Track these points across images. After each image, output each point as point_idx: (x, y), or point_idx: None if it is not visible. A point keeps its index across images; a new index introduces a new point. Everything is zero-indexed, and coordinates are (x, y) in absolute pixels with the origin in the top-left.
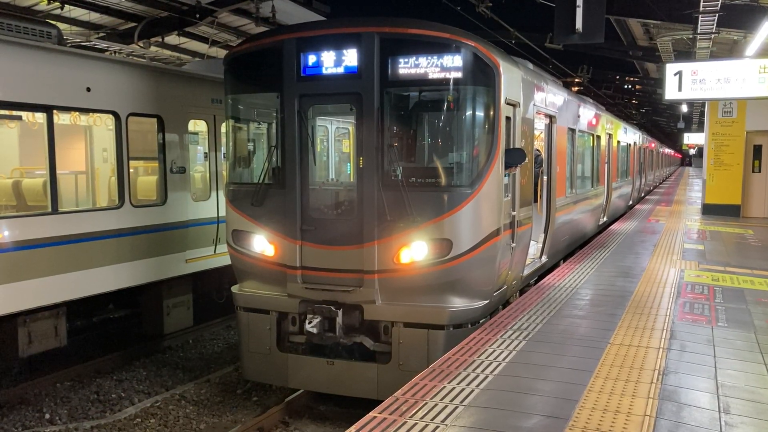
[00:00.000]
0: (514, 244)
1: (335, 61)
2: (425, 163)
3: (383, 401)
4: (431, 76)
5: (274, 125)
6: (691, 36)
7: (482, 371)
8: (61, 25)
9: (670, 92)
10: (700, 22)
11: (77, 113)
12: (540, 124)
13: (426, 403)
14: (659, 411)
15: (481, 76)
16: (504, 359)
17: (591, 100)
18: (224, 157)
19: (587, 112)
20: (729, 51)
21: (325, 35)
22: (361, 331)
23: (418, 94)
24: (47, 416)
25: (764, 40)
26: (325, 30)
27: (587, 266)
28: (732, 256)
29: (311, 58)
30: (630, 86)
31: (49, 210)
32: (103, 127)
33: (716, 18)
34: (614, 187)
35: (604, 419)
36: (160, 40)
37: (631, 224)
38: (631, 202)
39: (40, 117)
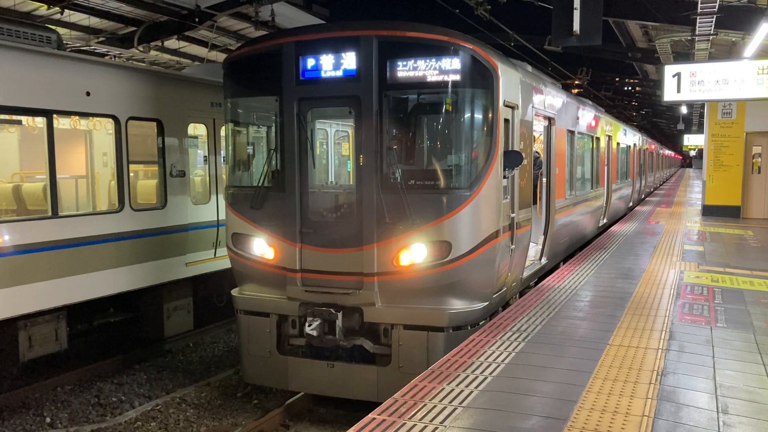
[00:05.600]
0: (513, 246)
1: (334, 64)
2: (424, 165)
3: (383, 403)
4: (429, 78)
5: (273, 128)
6: (689, 37)
7: (481, 373)
8: (61, 30)
9: (669, 94)
10: (698, 24)
11: (77, 117)
12: (539, 126)
13: (425, 405)
14: (658, 411)
15: (480, 78)
16: (503, 361)
17: (590, 102)
18: (224, 160)
19: (586, 114)
20: (727, 52)
21: (323, 39)
22: (360, 334)
23: (417, 97)
24: (48, 420)
25: (762, 41)
26: (323, 33)
27: (587, 268)
28: (732, 257)
29: (310, 62)
30: (629, 88)
31: (50, 214)
32: (103, 131)
33: (714, 19)
34: (614, 188)
35: (602, 420)
36: (160, 44)
37: (631, 226)
38: (631, 204)
39: (40, 121)
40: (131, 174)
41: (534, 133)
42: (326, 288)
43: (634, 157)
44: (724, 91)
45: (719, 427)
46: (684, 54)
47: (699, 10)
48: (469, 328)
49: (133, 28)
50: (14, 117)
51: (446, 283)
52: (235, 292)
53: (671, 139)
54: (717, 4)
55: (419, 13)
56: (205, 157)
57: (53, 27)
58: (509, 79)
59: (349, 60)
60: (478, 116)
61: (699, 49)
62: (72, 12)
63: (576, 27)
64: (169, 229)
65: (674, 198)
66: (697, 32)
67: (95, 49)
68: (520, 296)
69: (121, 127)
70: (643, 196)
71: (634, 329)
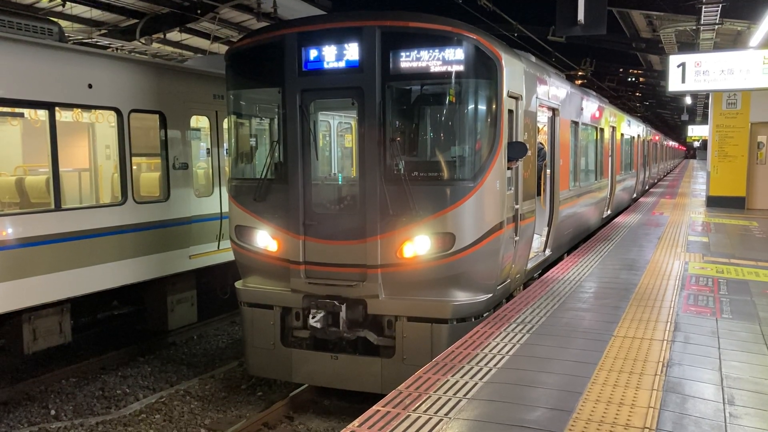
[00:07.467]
0: (517, 238)
1: (336, 55)
2: (427, 156)
3: (387, 395)
4: (433, 69)
5: (276, 120)
6: (694, 27)
7: (486, 364)
8: (63, 23)
9: (674, 84)
10: (703, 13)
11: (79, 110)
12: (543, 117)
13: (429, 397)
14: (663, 403)
15: (483, 69)
16: (508, 352)
17: (594, 93)
18: (226, 152)
19: (590, 105)
20: (733, 42)
21: (326, 29)
22: (364, 326)
23: (420, 88)
24: (53, 412)
25: None
26: (326, 24)
27: (591, 259)
28: (736, 248)
29: (312, 53)
30: (633, 79)
31: (52, 207)
32: (106, 123)
33: (720, 8)
34: (618, 179)
35: (608, 411)
36: (162, 36)
37: (635, 217)
38: (635, 195)
39: (42, 114)
40: (134, 166)
41: (538, 124)
42: (330, 280)
43: (638, 148)
44: (729, 81)
45: (725, 419)
46: (689, 44)
47: (704, 0)
48: (473, 319)
49: (135, 21)
50: (16, 110)
51: (450, 275)
52: (238, 284)
53: (675, 130)
54: None
55: (422, 4)
56: (207, 149)
57: (55, 19)
58: (513, 70)
59: (352, 51)
60: (482, 107)
61: (704, 39)
62: (74, 4)
63: (580, 16)
64: (172, 222)
65: (678, 189)
66: (702, 22)
67: (97, 41)
68: (525, 288)
69: (124, 120)
70: (647, 187)
71: (639, 320)
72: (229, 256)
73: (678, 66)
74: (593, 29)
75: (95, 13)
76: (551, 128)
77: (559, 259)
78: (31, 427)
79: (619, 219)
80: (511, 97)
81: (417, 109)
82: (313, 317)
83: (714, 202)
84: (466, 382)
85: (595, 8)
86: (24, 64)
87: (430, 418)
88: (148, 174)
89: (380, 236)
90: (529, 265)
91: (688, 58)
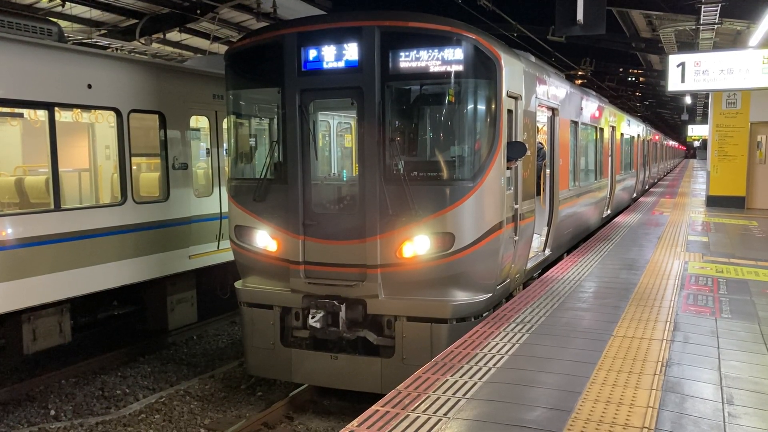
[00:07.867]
0: (516, 237)
1: (336, 55)
2: (427, 156)
3: (387, 395)
4: (432, 69)
5: (275, 120)
6: (694, 27)
7: (485, 364)
8: (63, 23)
9: (674, 84)
10: (703, 13)
11: (79, 110)
12: (543, 116)
13: (429, 396)
14: (662, 402)
15: (483, 68)
16: (507, 352)
17: (594, 93)
18: (226, 152)
19: (590, 105)
20: (732, 41)
21: (325, 29)
22: (364, 326)
23: (420, 88)
24: (52, 413)
25: None
26: (325, 24)
27: (591, 259)
28: (736, 248)
29: (312, 53)
30: (633, 78)
31: (52, 207)
32: (105, 123)
33: (719, 8)
34: (618, 179)
35: (607, 411)
36: (162, 36)
37: (635, 217)
38: (635, 195)
39: (42, 114)
40: (134, 167)
41: (537, 124)
42: (329, 280)
43: (637, 148)
44: (729, 81)
45: (724, 418)
46: (688, 43)
47: (704, 0)
48: (472, 319)
49: (135, 21)
50: (16, 110)
51: (449, 275)
52: (238, 284)
53: (675, 130)
54: None
55: (422, 4)
56: (207, 149)
57: (54, 20)
58: (512, 70)
59: (351, 51)
60: (481, 107)
61: (703, 39)
62: (73, 4)
63: (580, 16)
64: (171, 222)
65: (678, 189)
66: (701, 21)
67: (97, 41)
68: (524, 287)
69: (123, 120)
70: (647, 187)
71: (639, 320)
72: (228, 256)
73: (678, 65)
74: (592, 29)
75: (95, 14)
76: (551, 128)
77: (559, 258)
78: (31, 427)
79: (619, 219)
80: (510, 96)
81: (416, 108)
82: (312, 317)
83: (714, 202)
84: (466, 382)
85: (595, 8)
86: (23, 65)
87: (430, 418)
88: (147, 174)
89: (380, 236)
90: (529, 265)
91: (688, 58)
